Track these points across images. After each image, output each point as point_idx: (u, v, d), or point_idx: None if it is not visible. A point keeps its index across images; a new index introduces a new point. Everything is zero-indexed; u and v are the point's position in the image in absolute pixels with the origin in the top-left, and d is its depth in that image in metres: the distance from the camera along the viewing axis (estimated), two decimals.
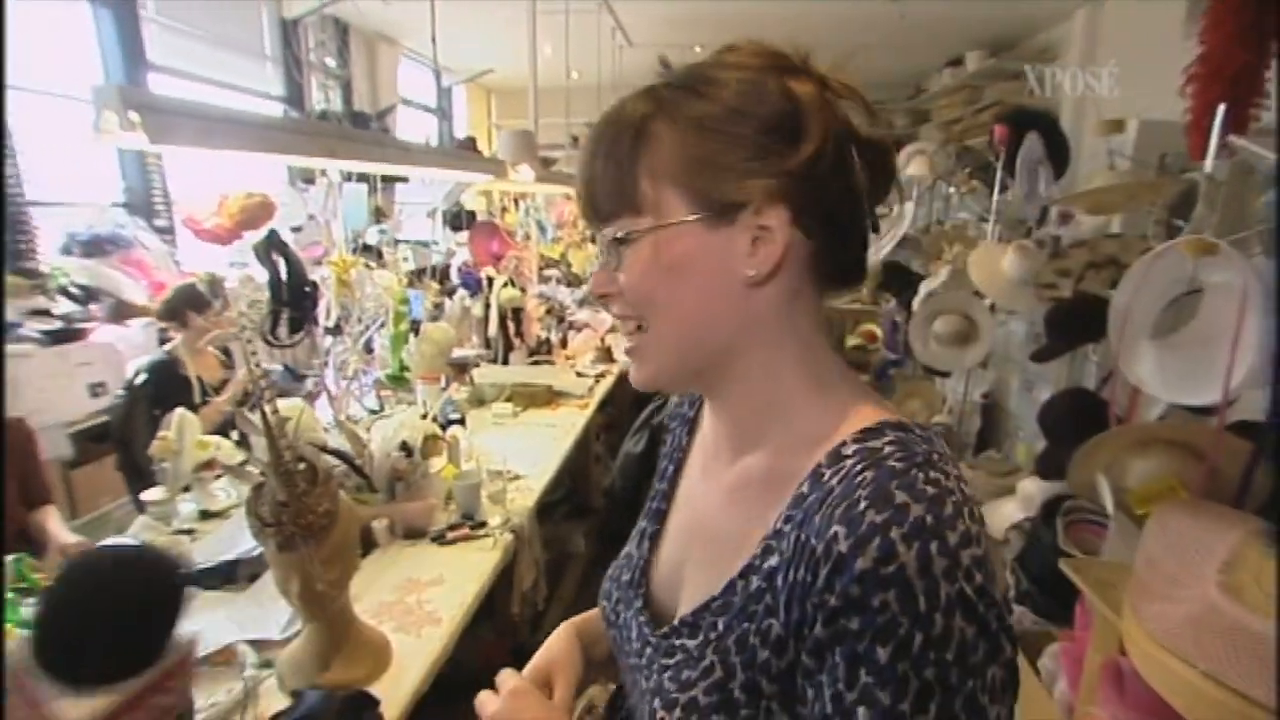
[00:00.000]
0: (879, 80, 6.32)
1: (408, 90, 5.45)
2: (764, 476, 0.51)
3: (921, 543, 0.38)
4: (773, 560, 0.46)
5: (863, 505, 0.40)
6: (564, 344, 3.29)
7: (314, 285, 1.80)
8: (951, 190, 3.17)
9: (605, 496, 2.83)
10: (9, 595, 1.21)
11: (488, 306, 2.85)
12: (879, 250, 2.60)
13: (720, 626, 0.48)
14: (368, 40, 4.92)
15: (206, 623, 1.18)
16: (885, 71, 6.09)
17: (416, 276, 3.01)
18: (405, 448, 1.61)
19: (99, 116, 0.85)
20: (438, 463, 1.74)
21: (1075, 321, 1.54)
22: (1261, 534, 0.83)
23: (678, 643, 0.51)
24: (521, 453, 2.00)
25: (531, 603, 1.69)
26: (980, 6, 4.14)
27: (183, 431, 1.64)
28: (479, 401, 2.52)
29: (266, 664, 1.08)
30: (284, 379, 2.38)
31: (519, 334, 2.91)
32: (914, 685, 0.38)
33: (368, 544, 1.45)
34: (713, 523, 0.55)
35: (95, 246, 2.68)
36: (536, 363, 2.89)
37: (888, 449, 0.43)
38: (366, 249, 2.79)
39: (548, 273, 3.78)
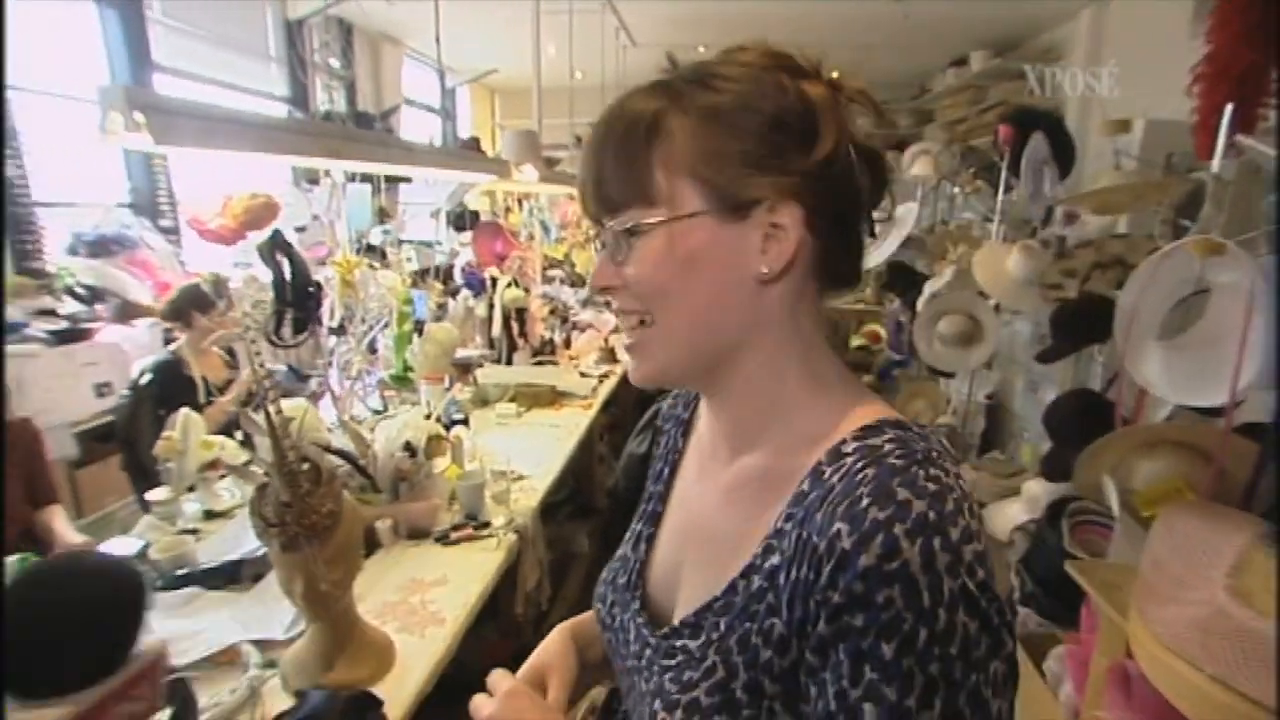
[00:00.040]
0: (883, 80, 6.31)
1: (412, 91, 5.46)
2: (762, 476, 0.51)
3: (925, 539, 0.38)
4: (774, 559, 0.46)
5: (865, 502, 0.40)
6: (568, 344, 3.29)
7: (318, 285, 1.80)
8: (956, 190, 3.16)
9: (609, 497, 2.83)
10: None
11: (491, 307, 2.85)
12: (883, 251, 2.59)
13: (722, 627, 0.47)
14: (372, 41, 4.93)
15: (210, 622, 1.19)
16: (889, 71, 6.09)
17: (420, 277, 3.01)
18: (409, 448, 1.61)
19: (104, 117, 0.85)
20: (441, 463, 1.74)
21: (1081, 322, 1.53)
22: (1266, 536, 0.83)
23: (679, 644, 0.51)
24: (525, 453, 2.00)
25: (535, 603, 1.69)
26: (985, 6, 4.13)
27: (187, 431, 1.64)
28: (483, 402, 2.52)
29: (270, 664, 1.08)
30: (288, 379, 2.38)
31: (523, 334, 2.91)
32: (919, 680, 0.38)
33: (371, 544, 1.45)
34: (710, 523, 0.55)
35: (101, 247, 2.69)
36: (540, 363, 2.89)
37: (888, 446, 0.44)
38: (370, 249, 2.80)
39: (551, 273, 3.78)
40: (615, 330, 3.22)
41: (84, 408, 2.28)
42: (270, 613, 1.19)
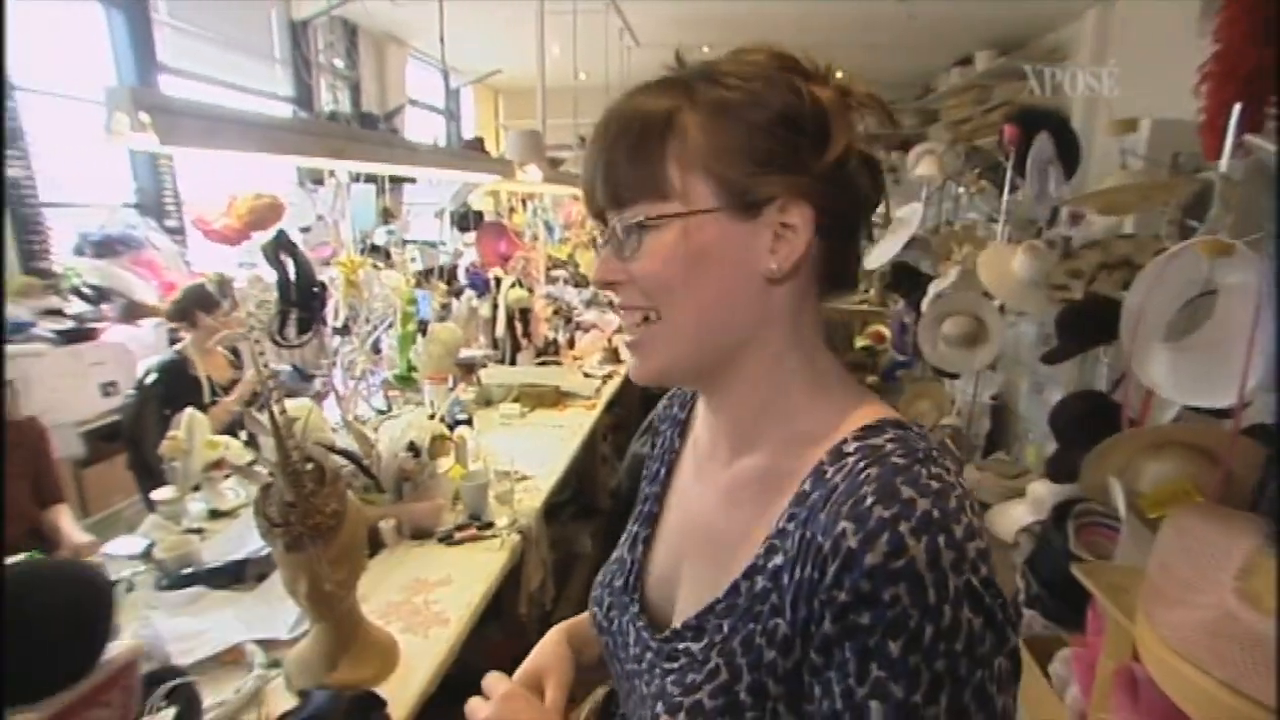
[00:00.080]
0: (887, 80, 6.30)
1: (416, 91, 5.48)
2: (762, 476, 0.50)
3: (930, 536, 0.38)
4: (777, 559, 0.45)
5: (870, 501, 0.40)
6: (571, 344, 3.29)
7: (322, 286, 1.80)
8: (961, 190, 3.15)
9: (612, 497, 2.83)
10: None
11: (495, 307, 2.85)
12: (888, 251, 2.58)
13: (725, 629, 0.47)
14: (376, 41, 4.94)
15: (215, 622, 1.19)
16: (893, 71, 6.07)
17: (424, 277, 3.01)
18: (413, 448, 1.62)
19: (110, 118, 0.85)
20: (445, 463, 1.75)
21: (1087, 323, 1.52)
22: (1268, 538, 0.82)
23: (680, 646, 0.50)
24: (529, 453, 2.00)
25: (539, 603, 1.70)
26: (990, 6, 4.12)
27: (192, 431, 1.65)
28: (486, 402, 2.53)
29: (274, 663, 1.08)
30: (292, 379, 2.39)
31: (526, 334, 2.91)
32: (925, 677, 0.38)
33: (375, 544, 1.45)
34: (709, 524, 0.54)
35: (107, 247, 2.70)
36: (544, 363, 2.89)
37: (889, 446, 0.44)
38: (374, 249, 2.80)
39: (555, 273, 3.79)
40: (619, 330, 3.22)
41: (90, 407, 2.29)
42: (274, 612, 1.20)
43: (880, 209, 0.53)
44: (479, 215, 3.91)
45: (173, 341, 2.39)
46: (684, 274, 0.47)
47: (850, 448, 0.45)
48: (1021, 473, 2.30)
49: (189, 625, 1.18)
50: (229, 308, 2.25)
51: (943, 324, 2.23)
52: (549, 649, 0.66)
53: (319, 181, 3.23)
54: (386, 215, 3.69)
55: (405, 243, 3.51)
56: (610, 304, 0.53)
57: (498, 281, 2.88)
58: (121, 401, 2.25)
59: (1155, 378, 1.17)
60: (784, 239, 0.47)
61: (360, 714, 0.95)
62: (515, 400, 2.51)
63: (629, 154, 0.47)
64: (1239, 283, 1.07)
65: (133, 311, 2.59)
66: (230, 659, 1.10)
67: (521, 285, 2.88)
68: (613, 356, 3.09)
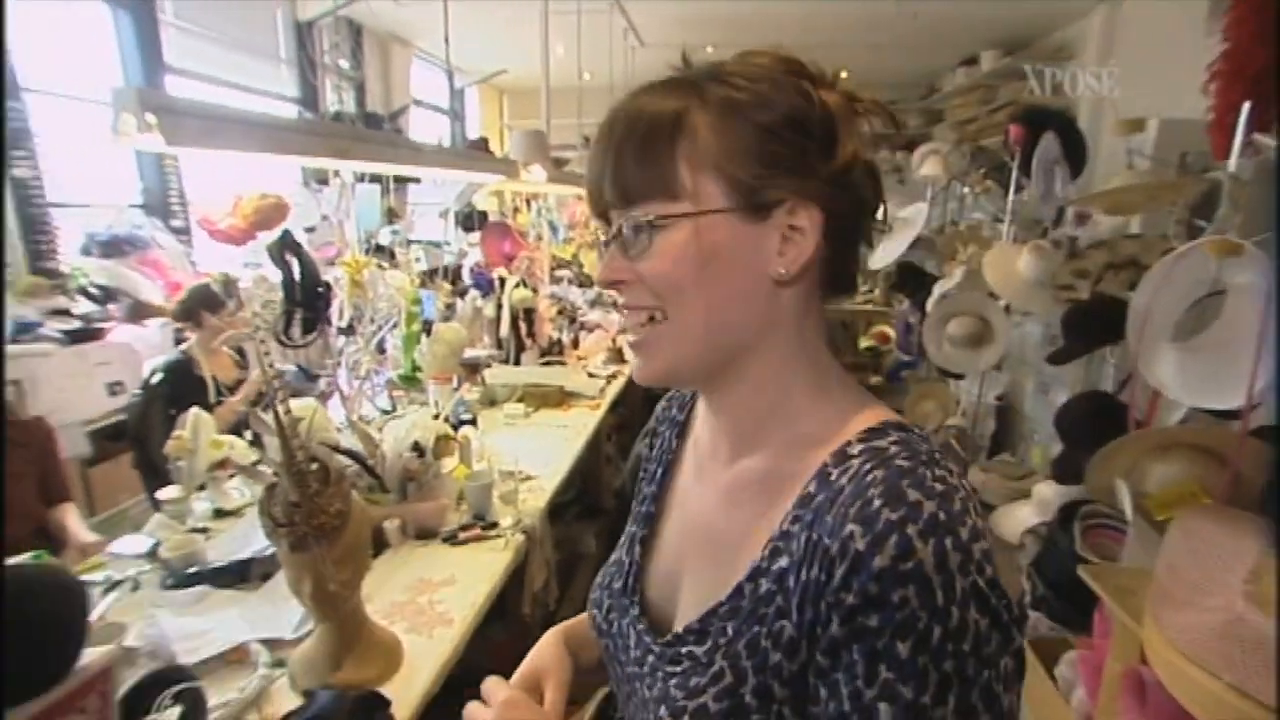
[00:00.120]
0: (892, 80, 6.28)
1: (420, 91, 5.49)
2: (763, 478, 0.50)
3: (937, 538, 0.39)
4: (782, 562, 0.45)
5: (877, 504, 0.40)
6: (576, 344, 3.29)
7: (327, 286, 1.81)
8: (966, 190, 3.14)
9: (616, 497, 2.83)
10: None
11: (500, 307, 2.86)
12: (893, 251, 2.58)
13: (729, 631, 0.47)
14: (381, 42, 4.95)
15: (219, 621, 1.20)
16: (898, 71, 6.06)
17: (429, 277, 3.02)
18: (417, 448, 1.62)
19: (117, 118, 0.86)
20: (449, 463, 1.75)
21: (1093, 323, 1.52)
22: (1270, 539, 0.81)
23: (684, 650, 0.50)
24: (533, 453, 2.00)
25: (543, 603, 1.70)
26: (995, 5, 4.10)
27: (197, 430, 1.65)
28: (491, 402, 2.53)
29: (279, 663, 1.08)
30: (297, 379, 2.40)
31: (531, 334, 2.91)
32: (934, 678, 0.38)
33: (379, 544, 1.46)
34: (710, 524, 0.54)
35: (114, 247, 2.72)
36: (548, 363, 2.89)
37: (893, 448, 0.44)
38: (379, 249, 2.80)
39: (560, 273, 3.78)
40: (623, 330, 3.21)
41: (96, 406, 2.30)
42: (279, 612, 1.20)
43: (879, 214, 0.53)
44: (483, 215, 3.91)
45: (178, 341, 2.40)
46: (694, 274, 0.47)
47: (855, 450, 0.45)
48: (1027, 474, 2.30)
49: (194, 624, 1.18)
50: (234, 308, 2.26)
51: (948, 324, 2.22)
52: (546, 651, 0.65)
53: (324, 181, 3.25)
54: (391, 215, 3.69)
55: (410, 243, 3.51)
56: (614, 304, 0.52)
57: (502, 281, 2.88)
58: (127, 401, 2.26)
59: (1162, 378, 1.16)
60: (792, 241, 0.47)
61: (364, 714, 0.95)
62: (519, 400, 2.51)
63: (638, 153, 0.47)
64: (1248, 283, 1.06)
65: (139, 311, 2.60)
66: (235, 658, 1.10)
67: (526, 285, 2.88)
68: (617, 356, 3.09)
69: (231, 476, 1.69)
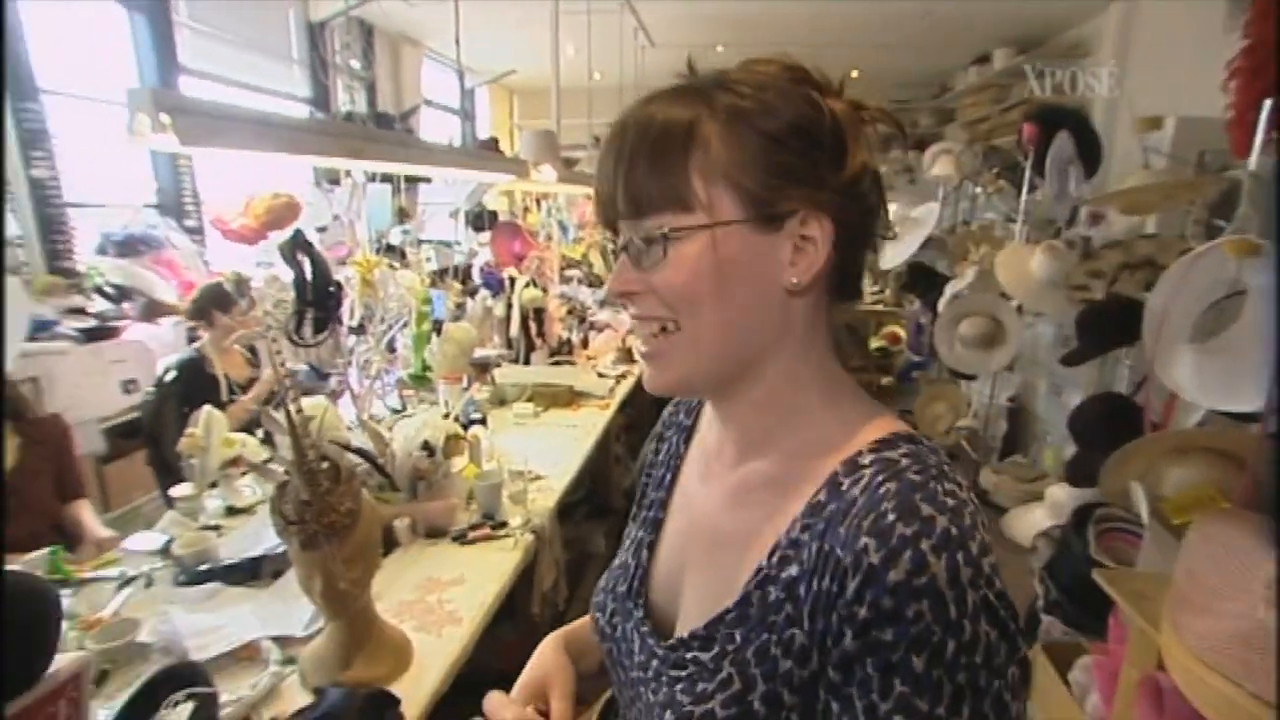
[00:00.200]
0: (902, 79, 6.25)
1: (431, 91, 5.51)
2: (770, 481, 0.50)
3: (949, 554, 0.39)
4: (792, 570, 0.45)
5: (891, 517, 0.40)
6: (585, 344, 3.29)
7: (338, 285, 1.81)
8: (978, 190, 3.12)
9: (626, 497, 2.83)
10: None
11: (509, 307, 2.86)
12: (904, 252, 2.56)
13: (738, 639, 0.47)
14: (392, 42, 4.98)
15: (231, 617, 1.20)
16: (909, 70, 6.02)
17: (439, 276, 3.03)
18: (427, 447, 1.62)
19: (133, 119, 0.86)
20: (459, 462, 1.75)
21: (1108, 324, 1.50)
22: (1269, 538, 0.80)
23: (689, 655, 0.50)
24: (542, 453, 2.01)
25: (552, 603, 1.70)
26: (1008, 3, 4.06)
27: (210, 429, 1.67)
28: (500, 401, 2.53)
29: (289, 660, 1.09)
30: (308, 378, 2.41)
31: (540, 334, 2.92)
32: (948, 690, 0.39)
33: (389, 543, 1.46)
34: (715, 525, 0.54)
35: (129, 247, 2.75)
36: (558, 363, 2.89)
37: (904, 461, 0.44)
38: (390, 249, 2.82)
39: (569, 273, 3.79)
40: (632, 330, 3.21)
41: (111, 404, 2.33)
42: (290, 609, 1.20)
43: (884, 220, 0.54)
44: (493, 215, 3.93)
45: (191, 340, 2.42)
46: (709, 286, 0.47)
47: (865, 460, 0.45)
48: (1039, 476, 2.28)
49: (206, 621, 1.19)
50: (246, 307, 2.27)
51: (959, 325, 2.21)
52: (549, 658, 0.65)
53: (335, 181, 3.25)
54: (402, 215, 3.72)
55: (420, 242, 3.54)
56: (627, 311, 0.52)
57: (512, 281, 2.89)
58: (141, 399, 2.28)
59: (1179, 380, 1.15)
60: (804, 251, 0.47)
61: (374, 712, 0.95)
62: (529, 400, 2.51)
63: (650, 164, 0.47)
64: (1268, 284, 1.04)
65: (153, 310, 2.63)
66: (246, 655, 1.11)
67: (536, 285, 2.88)
68: (626, 356, 3.09)
69: (243, 474, 1.71)
